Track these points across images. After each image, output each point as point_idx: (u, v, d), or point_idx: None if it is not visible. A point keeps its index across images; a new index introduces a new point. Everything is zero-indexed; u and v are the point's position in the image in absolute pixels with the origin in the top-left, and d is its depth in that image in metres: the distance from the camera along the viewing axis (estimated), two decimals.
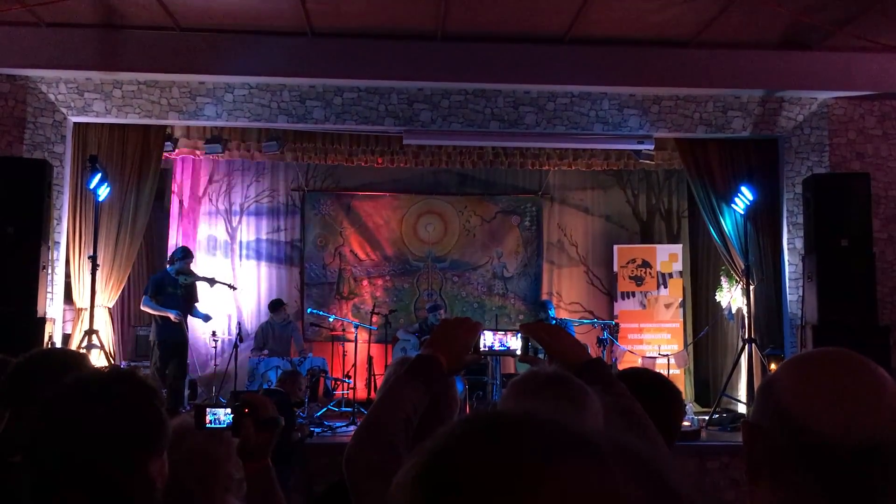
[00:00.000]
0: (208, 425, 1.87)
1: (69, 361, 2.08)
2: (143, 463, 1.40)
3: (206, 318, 8.67)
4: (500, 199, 11.12)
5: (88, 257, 7.99)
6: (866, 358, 1.14)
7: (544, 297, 10.70)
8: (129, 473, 1.38)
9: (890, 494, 1.07)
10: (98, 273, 7.97)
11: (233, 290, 9.33)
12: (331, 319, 10.04)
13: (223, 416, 1.87)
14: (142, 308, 8.52)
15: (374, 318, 9.63)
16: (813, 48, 8.17)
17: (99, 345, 7.67)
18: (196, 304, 8.63)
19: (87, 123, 8.50)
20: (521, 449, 0.58)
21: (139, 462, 1.39)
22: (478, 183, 11.04)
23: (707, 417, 8.33)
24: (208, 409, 1.88)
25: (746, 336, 8.52)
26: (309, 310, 9.99)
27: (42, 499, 1.37)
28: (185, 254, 8.64)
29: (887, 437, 1.06)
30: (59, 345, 7.70)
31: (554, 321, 9.18)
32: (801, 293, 8.34)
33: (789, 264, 8.68)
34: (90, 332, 7.68)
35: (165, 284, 8.30)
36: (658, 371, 2.74)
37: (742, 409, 8.40)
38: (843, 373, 1.12)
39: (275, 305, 9.69)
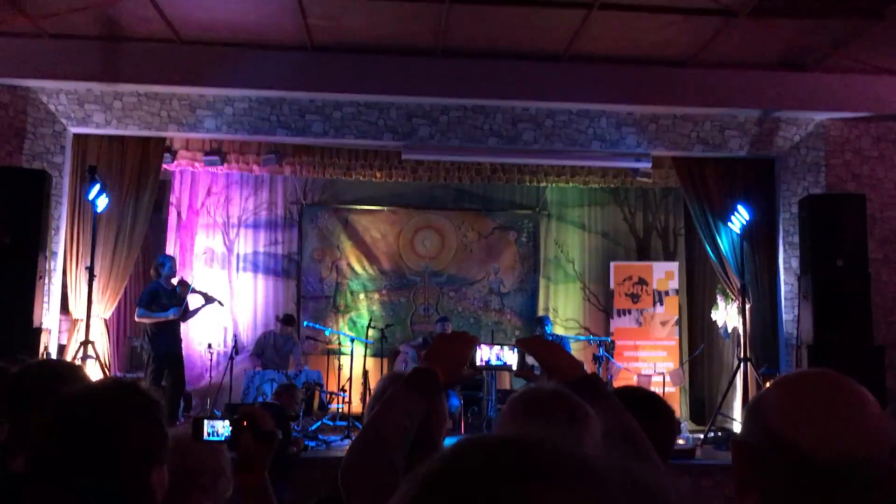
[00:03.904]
0: (206, 437, 1.87)
1: (64, 373, 2.09)
2: (145, 474, 1.41)
3: (209, 300, 8.48)
4: (498, 214, 11.14)
5: (85, 268, 7.99)
6: (850, 378, 1.18)
7: (541, 313, 10.71)
8: (132, 484, 1.39)
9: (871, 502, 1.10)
10: (95, 284, 7.96)
11: (220, 305, 9.06)
12: (327, 333, 10.04)
13: (221, 428, 1.87)
14: (136, 319, 8.40)
15: (370, 332, 9.63)
16: (809, 69, 8.24)
17: (94, 356, 7.65)
18: (189, 311, 8.56)
19: (87, 134, 8.52)
20: (518, 473, 0.57)
21: (141, 473, 1.40)
22: (475, 198, 11.07)
23: (702, 436, 8.32)
24: (206, 422, 1.88)
25: (742, 355, 8.54)
26: (305, 323, 9.97)
27: None
28: (167, 260, 8.57)
29: (868, 453, 1.10)
30: (54, 355, 7.69)
31: (551, 337, 9.19)
32: (796, 312, 8.35)
33: (785, 283, 8.70)
34: (86, 342, 7.67)
35: (160, 296, 8.26)
36: (651, 389, 2.75)
37: (737, 427, 8.40)
38: (826, 392, 1.16)
39: (287, 320, 9.64)
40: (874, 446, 1.12)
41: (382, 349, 9.53)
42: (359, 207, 10.92)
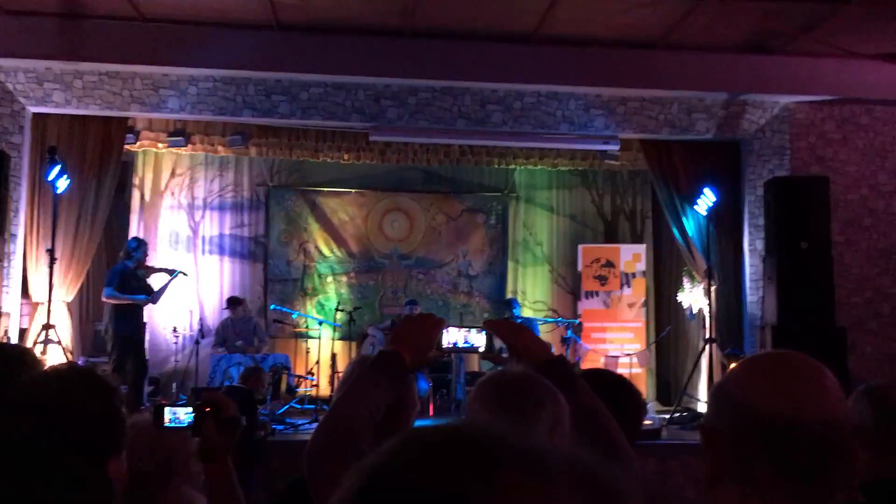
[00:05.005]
0: (168, 425, 1.83)
1: (16, 358, 2.03)
2: (102, 463, 1.36)
3: (173, 273, 8.37)
4: (466, 197, 11.12)
5: (46, 250, 7.82)
6: (808, 355, 1.24)
7: (509, 295, 10.73)
8: (88, 474, 1.35)
9: (839, 469, 1.16)
10: (56, 267, 7.81)
11: (184, 275, 8.92)
12: (294, 316, 9.97)
13: (183, 415, 1.82)
14: (104, 299, 8.13)
15: (338, 315, 9.58)
16: (776, 53, 8.29)
17: (56, 340, 7.51)
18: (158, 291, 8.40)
19: (47, 114, 8.33)
20: (463, 467, 0.56)
21: (97, 462, 1.36)
22: (444, 181, 11.03)
23: (668, 416, 8.42)
24: (168, 409, 1.83)
25: (707, 336, 8.63)
26: (272, 306, 9.90)
27: None
28: (142, 245, 8.41)
29: (832, 415, 1.16)
30: (14, 340, 7.54)
31: (520, 320, 9.21)
32: (761, 294, 8.45)
33: (750, 266, 8.80)
34: (47, 326, 7.52)
35: (129, 278, 8.11)
36: (618, 371, 2.77)
37: (702, 407, 8.50)
38: (788, 365, 1.22)
39: (230, 303, 9.45)
40: (838, 413, 1.17)
41: (350, 332, 9.50)
42: (326, 189, 10.83)
